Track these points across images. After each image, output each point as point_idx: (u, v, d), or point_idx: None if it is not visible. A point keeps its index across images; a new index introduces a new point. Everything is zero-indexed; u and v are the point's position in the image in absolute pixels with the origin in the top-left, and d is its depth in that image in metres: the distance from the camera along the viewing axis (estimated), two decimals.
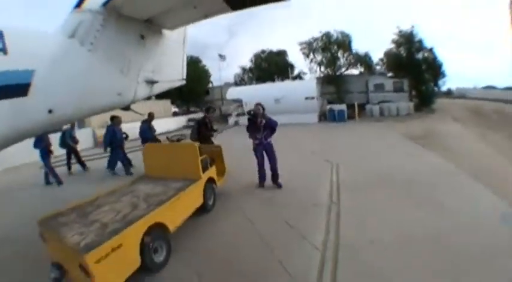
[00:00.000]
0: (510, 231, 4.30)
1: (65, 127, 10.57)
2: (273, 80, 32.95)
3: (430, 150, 10.39)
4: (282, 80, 32.87)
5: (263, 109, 7.17)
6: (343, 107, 24.51)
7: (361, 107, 26.25)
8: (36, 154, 9.40)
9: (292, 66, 38.25)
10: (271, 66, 38.21)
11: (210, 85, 39.15)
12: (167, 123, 24.96)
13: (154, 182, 5.51)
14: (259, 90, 26.17)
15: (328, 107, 25.22)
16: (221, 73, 36.96)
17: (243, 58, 76.25)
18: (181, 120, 28.98)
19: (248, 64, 40.91)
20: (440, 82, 31.51)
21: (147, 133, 9.96)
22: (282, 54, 39.40)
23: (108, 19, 4.46)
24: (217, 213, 5.94)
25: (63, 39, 4.03)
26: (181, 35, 6.78)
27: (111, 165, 10.23)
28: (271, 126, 7.16)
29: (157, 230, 4.08)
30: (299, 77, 37.25)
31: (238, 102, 26.53)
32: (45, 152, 9.36)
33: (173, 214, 4.52)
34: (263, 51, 39.98)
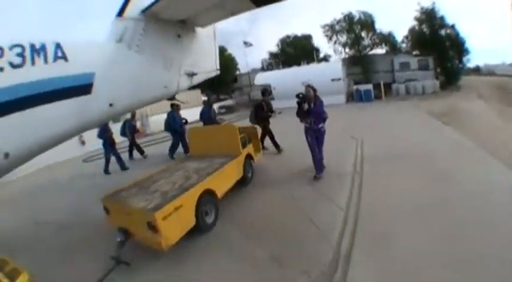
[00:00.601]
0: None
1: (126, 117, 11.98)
2: (299, 64, 33.41)
3: (450, 127, 10.93)
4: (308, 63, 33.25)
5: (314, 91, 6.72)
6: (370, 87, 24.90)
7: (388, 86, 26.48)
8: (63, 152, 10.51)
9: (317, 50, 38.52)
10: (297, 51, 38.83)
11: (238, 72, 40.04)
12: (195, 113, 26.06)
13: (200, 159, 6.57)
14: (286, 74, 26.78)
15: (355, 87, 25.68)
16: (247, 59, 37.58)
17: (268, 44, 76.37)
18: (213, 108, 30.17)
19: (274, 49, 41.69)
20: (464, 59, 30.91)
21: (206, 114, 10.43)
22: (307, 38, 39.84)
23: (148, 24, 5.39)
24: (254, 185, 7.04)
25: (113, 44, 4.97)
26: (212, 30, 7.65)
27: (173, 149, 11.26)
28: (318, 113, 6.68)
29: (208, 196, 4.99)
30: (325, 59, 37.55)
31: (267, 86, 27.41)
32: (109, 142, 10.51)
33: (220, 183, 5.47)
34: (288, 37, 40.56)
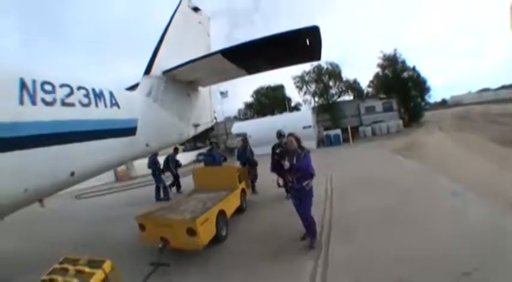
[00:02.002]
0: (455, 201, 6.54)
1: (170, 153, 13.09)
2: (273, 113, 35.63)
3: (407, 158, 12.97)
4: (281, 112, 35.62)
5: (298, 141, 5.57)
6: (338, 131, 26.88)
7: (355, 129, 28.73)
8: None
9: (289, 99, 41.33)
10: (270, 101, 41.44)
11: (214, 121, 41.74)
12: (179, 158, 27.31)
13: (206, 192, 7.92)
14: (261, 123, 28.46)
15: (325, 133, 27.59)
16: (223, 109, 39.55)
17: (242, 93, 79.58)
18: (192, 155, 31.34)
19: (249, 99, 44.36)
20: (426, 96, 34.58)
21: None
22: (279, 88, 42.70)
23: (168, 83, 6.95)
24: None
25: (145, 97, 6.46)
26: (208, 88, 9.45)
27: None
28: (302, 170, 5.38)
29: (222, 215, 6.35)
30: (296, 108, 40.15)
31: (243, 135, 28.92)
32: (158, 172, 12.07)
33: (228, 206, 6.86)
34: (262, 88, 43.33)
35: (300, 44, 5.66)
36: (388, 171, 10.84)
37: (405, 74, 33.54)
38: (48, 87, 4.20)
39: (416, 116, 33.96)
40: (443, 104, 78.86)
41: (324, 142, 26.93)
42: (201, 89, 8.59)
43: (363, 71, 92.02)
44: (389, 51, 34.34)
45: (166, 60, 7.18)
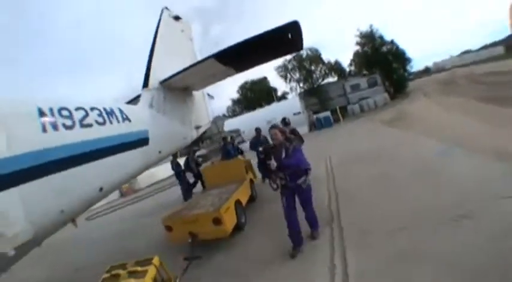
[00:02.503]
0: (438, 158, 7.21)
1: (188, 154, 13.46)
2: (261, 106, 36.11)
3: (394, 128, 13.89)
4: (269, 103, 36.09)
5: (283, 133, 5.25)
6: (328, 113, 27.60)
7: (344, 108, 29.47)
8: None
9: (275, 90, 41.86)
10: (256, 94, 41.88)
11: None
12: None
13: (218, 188, 8.32)
14: (251, 117, 28.99)
15: (315, 116, 28.27)
16: (211, 110, 39.81)
17: (227, 90, 79.75)
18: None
19: (236, 96, 44.77)
20: (408, 67, 35.59)
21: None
22: (263, 81, 43.13)
23: (166, 92, 7.33)
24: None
25: (148, 109, 6.81)
26: (201, 91, 9.84)
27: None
28: (294, 166, 4.94)
29: (238, 204, 6.83)
30: (283, 97, 40.72)
31: (235, 132, 29.35)
32: (183, 173, 12.50)
33: (242, 196, 7.30)
34: (246, 82, 43.69)
35: (284, 39, 6.01)
36: (379, 143, 11.62)
37: (384, 48, 34.30)
38: (65, 113, 4.55)
39: (401, 87, 34.84)
40: (427, 71, 79.67)
41: (315, 125, 27.49)
42: (195, 92, 8.96)
43: (343, 51, 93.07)
44: (365, 28, 35.07)
45: (159, 71, 7.58)
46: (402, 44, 39.84)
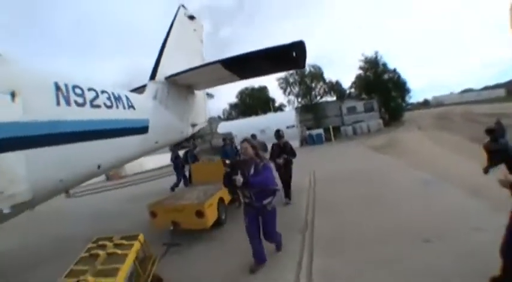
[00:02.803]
0: (421, 187, 7.71)
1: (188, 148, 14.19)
2: (257, 114, 36.54)
3: (384, 154, 14.24)
4: (265, 113, 36.58)
5: (254, 148, 4.76)
6: (320, 131, 28.19)
7: (337, 129, 30.06)
8: None
9: (273, 100, 42.52)
10: (254, 101, 42.44)
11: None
12: (165, 158, 27.90)
13: (203, 185, 8.62)
14: (246, 123, 29.50)
15: (308, 132, 28.78)
16: (209, 110, 40.25)
17: (226, 93, 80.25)
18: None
19: (234, 100, 45.28)
20: (406, 97, 36.64)
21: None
22: (263, 89, 43.73)
23: (170, 87, 7.75)
24: None
25: (152, 100, 7.22)
26: (203, 91, 10.28)
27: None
28: (261, 185, 4.51)
29: (221, 202, 7.17)
30: (280, 109, 41.31)
31: (228, 135, 29.71)
32: (182, 165, 13.07)
33: (225, 195, 7.56)
34: (246, 88, 44.28)
35: (289, 56, 6.48)
36: (366, 166, 12.03)
37: (386, 76, 35.15)
38: (78, 91, 4.92)
39: (396, 115, 35.65)
40: (426, 104, 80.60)
41: (307, 141, 27.98)
42: (196, 92, 9.38)
43: (345, 71, 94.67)
44: (370, 54, 35.99)
45: (167, 66, 8.06)
46: (404, 74, 40.52)
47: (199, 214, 6.06)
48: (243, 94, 44.83)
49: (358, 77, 37.09)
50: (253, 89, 44.43)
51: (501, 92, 61.39)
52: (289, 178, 8.38)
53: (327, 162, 15.02)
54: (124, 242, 4.22)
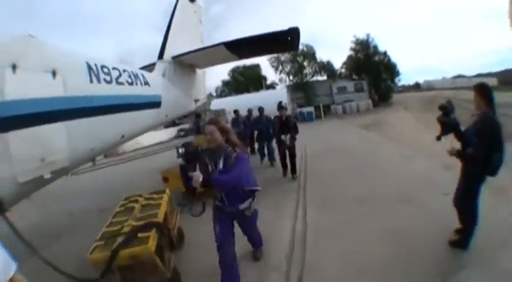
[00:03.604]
0: (401, 159, 8.79)
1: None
2: (249, 91, 37.24)
3: (369, 131, 15.47)
4: (257, 90, 37.17)
5: (225, 133, 3.47)
6: (311, 109, 29.17)
7: (327, 107, 31.04)
8: None
9: (265, 78, 43.14)
10: (246, 79, 43.04)
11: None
12: (160, 135, 28.68)
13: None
14: (238, 100, 29.91)
15: (298, 110, 29.71)
16: None
17: (219, 71, 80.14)
18: (171, 131, 32.58)
19: (226, 78, 45.74)
20: (396, 79, 37.75)
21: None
22: (255, 67, 44.22)
23: (176, 66, 8.54)
24: None
25: (161, 78, 8.01)
26: (203, 70, 11.09)
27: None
28: (231, 184, 3.28)
29: None
30: (272, 87, 41.99)
31: (220, 111, 30.33)
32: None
33: None
34: (238, 66, 44.72)
35: (284, 40, 7.34)
36: (353, 142, 13.14)
37: (376, 58, 35.96)
38: (105, 70, 5.69)
39: (385, 97, 36.64)
40: (417, 87, 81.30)
41: (297, 118, 28.84)
42: (197, 70, 10.21)
43: (337, 50, 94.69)
44: (362, 35, 36.60)
45: (172, 47, 8.91)
46: (396, 56, 41.38)
47: None
48: (235, 72, 45.35)
49: (349, 58, 37.73)
50: (245, 67, 44.87)
51: (493, 81, 61.94)
52: (294, 157, 8.40)
53: (317, 139, 16.03)
54: (154, 195, 5.05)
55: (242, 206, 3.57)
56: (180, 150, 7.98)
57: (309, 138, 15.80)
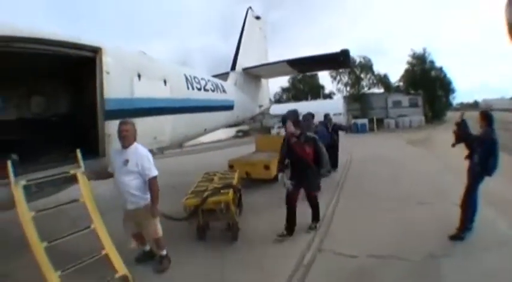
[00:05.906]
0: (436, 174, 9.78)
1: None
2: (306, 99, 38.62)
3: (415, 147, 16.44)
4: (315, 99, 38.42)
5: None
6: (365, 121, 29.92)
7: (381, 120, 31.58)
8: None
9: (323, 87, 44.44)
10: (305, 87, 44.48)
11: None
12: (218, 134, 30.85)
13: (266, 152, 10.47)
14: (296, 107, 31.32)
15: (353, 121, 30.56)
16: None
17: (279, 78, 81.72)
18: (231, 131, 34.58)
19: (286, 84, 47.75)
20: (450, 97, 37.58)
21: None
22: (314, 76, 45.45)
23: (245, 76, 10.46)
24: None
25: (234, 86, 9.90)
26: (267, 80, 12.99)
27: None
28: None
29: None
30: (329, 96, 43.12)
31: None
32: None
33: None
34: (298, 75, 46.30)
35: (337, 59, 8.88)
36: (398, 154, 14.22)
37: (433, 73, 35.83)
38: (196, 80, 7.60)
39: (439, 114, 36.29)
40: (475, 106, 77.30)
41: (351, 129, 29.76)
42: (262, 80, 12.11)
43: (394, 64, 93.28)
44: (419, 49, 36.74)
45: (243, 59, 10.86)
46: (453, 73, 40.14)
47: (267, 167, 8.36)
48: (295, 79, 46.83)
49: (406, 71, 37.74)
50: (304, 75, 45.93)
51: None
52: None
53: (364, 148, 17.16)
54: (228, 173, 6.90)
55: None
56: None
57: (357, 147, 17.12)
